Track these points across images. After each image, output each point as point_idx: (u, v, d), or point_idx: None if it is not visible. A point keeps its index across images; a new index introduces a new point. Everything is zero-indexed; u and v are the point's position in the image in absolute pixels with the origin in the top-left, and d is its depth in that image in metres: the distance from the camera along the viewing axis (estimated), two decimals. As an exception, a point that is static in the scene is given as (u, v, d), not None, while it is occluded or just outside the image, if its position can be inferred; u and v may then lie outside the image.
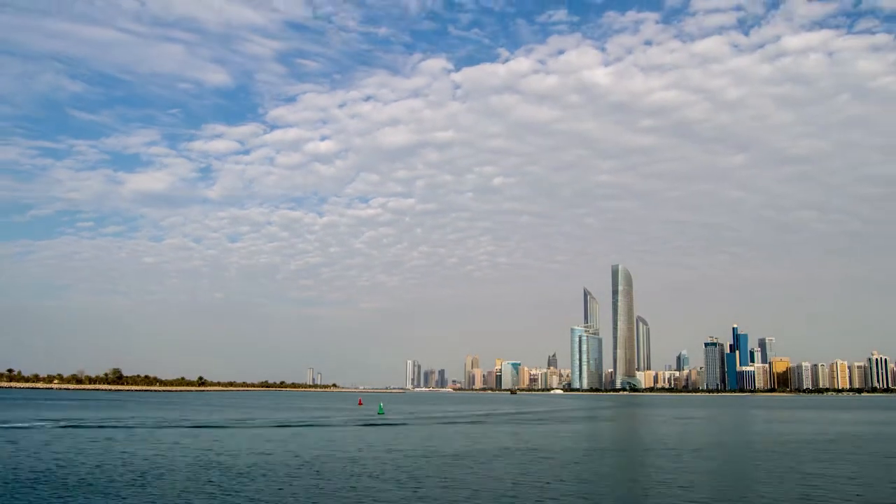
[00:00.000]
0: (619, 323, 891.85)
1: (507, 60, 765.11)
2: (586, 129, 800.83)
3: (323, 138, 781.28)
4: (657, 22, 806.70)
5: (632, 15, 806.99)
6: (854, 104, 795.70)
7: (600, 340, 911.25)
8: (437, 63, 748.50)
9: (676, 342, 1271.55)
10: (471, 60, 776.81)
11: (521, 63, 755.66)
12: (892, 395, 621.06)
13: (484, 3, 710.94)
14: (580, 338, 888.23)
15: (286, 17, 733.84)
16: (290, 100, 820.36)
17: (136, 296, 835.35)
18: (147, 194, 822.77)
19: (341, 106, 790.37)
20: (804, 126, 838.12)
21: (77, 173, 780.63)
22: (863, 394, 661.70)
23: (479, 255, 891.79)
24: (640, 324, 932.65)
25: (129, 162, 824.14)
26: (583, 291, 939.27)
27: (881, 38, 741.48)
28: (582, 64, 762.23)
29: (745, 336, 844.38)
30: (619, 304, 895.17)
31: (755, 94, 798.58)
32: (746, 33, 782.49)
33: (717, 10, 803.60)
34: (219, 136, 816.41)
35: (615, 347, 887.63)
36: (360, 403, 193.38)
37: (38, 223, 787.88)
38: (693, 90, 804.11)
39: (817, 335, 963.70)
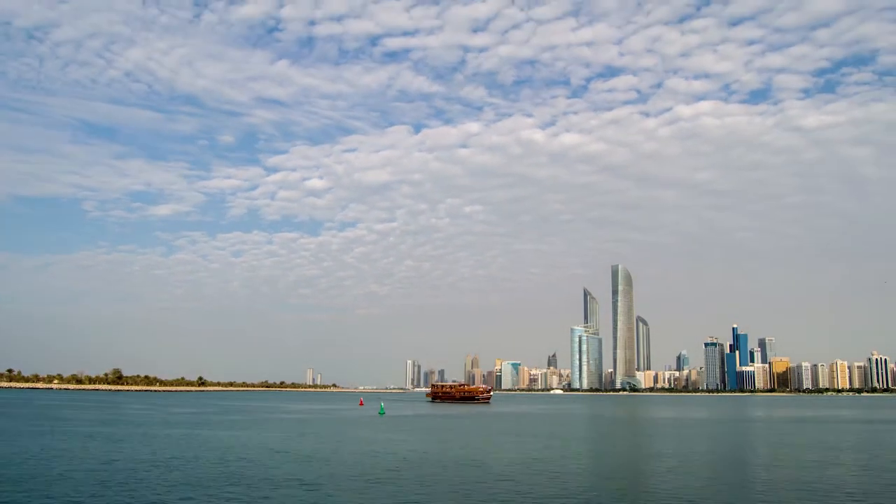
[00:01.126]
0: (619, 323, 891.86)
1: (457, 125, 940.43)
2: (531, 171, 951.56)
3: (316, 178, 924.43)
4: (567, 97, 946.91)
5: (545, 92, 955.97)
6: (750, 154, 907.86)
7: (600, 340, 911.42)
8: (403, 127, 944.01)
9: (676, 342, 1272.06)
10: (429, 126, 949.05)
11: (470, 126, 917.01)
12: (893, 395, 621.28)
13: (425, 91, 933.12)
14: (580, 338, 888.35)
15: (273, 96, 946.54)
16: (285, 151, 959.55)
17: (145, 303, 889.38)
18: (162, 219, 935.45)
19: (327, 156, 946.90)
20: (716, 170, 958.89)
21: (103, 203, 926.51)
22: (863, 394, 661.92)
23: (460, 268, 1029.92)
24: (640, 324, 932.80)
25: (153, 196, 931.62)
26: (583, 291, 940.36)
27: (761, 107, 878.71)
28: (518, 126, 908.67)
29: (745, 336, 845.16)
30: (619, 304, 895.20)
31: (666, 147, 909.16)
32: (645, 102, 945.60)
33: (614, 90, 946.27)
34: (228, 177, 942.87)
35: (615, 347, 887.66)
36: (361, 404, 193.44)
37: (63, 241, 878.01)
38: (615, 143, 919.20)
39: (817, 335, 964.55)
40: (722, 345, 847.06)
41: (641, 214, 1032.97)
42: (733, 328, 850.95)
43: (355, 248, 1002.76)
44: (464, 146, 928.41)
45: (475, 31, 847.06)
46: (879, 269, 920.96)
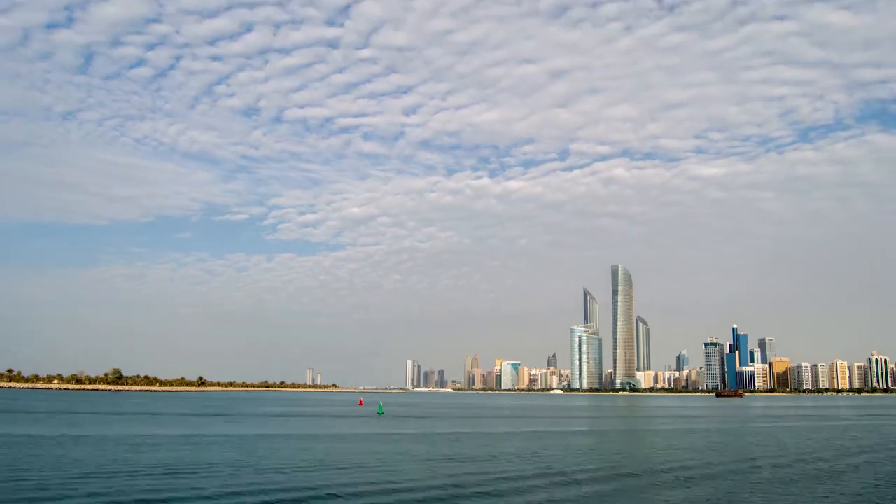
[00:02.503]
0: (618, 323, 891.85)
1: (420, 177, 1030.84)
2: (488, 207, 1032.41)
3: (309, 213, 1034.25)
4: (498, 157, 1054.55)
5: (476, 153, 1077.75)
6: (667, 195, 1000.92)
7: (600, 340, 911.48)
8: (374, 181, 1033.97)
9: (676, 342, 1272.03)
10: (395, 179, 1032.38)
11: (431, 178, 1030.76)
12: (892, 395, 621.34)
13: (377, 152, 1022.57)
14: (580, 338, 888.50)
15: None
16: (284, 195, 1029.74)
17: (153, 311, 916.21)
18: (177, 240, 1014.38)
19: (317, 197, 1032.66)
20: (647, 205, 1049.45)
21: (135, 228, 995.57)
22: (862, 394, 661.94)
23: (441, 280, 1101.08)
24: (640, 324, 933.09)
25: (173, 223, 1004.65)
26: (583, 291, 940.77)
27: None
28: (468, 177, 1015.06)
29: (745, 336, 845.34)
30: (619, 304, 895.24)
31: (595, 190, 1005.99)
32: (563, 160, 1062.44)
33: (535, 151, 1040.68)
34: (239, 212, 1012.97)
35: (615, 347, 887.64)
36: (361, 404, 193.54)
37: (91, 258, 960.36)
38: (550, 188, 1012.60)
39: (817, 335, 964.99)
40: (722, 345, 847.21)
41: (591, 238, 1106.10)
42: (733, 328, 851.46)
43: (345, 264, 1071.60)
44: (431, 191, 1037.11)
45: (407, 114, 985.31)
46: (879, 269, 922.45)
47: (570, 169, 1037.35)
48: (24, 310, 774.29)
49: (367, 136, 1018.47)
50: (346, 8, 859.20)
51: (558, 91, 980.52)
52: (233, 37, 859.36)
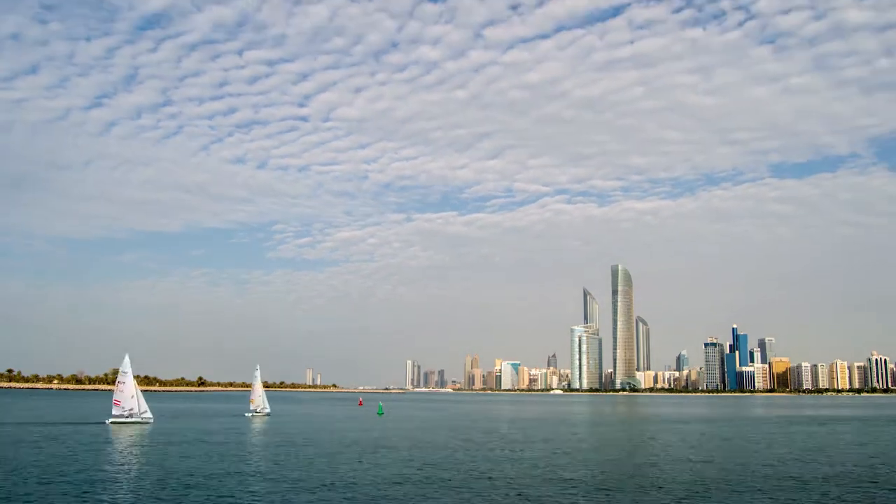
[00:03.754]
0: (618, 323, 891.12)
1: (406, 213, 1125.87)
2: (465, 232, 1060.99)
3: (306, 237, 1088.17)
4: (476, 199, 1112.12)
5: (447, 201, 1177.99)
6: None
7: (600, 340, 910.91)
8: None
9: (676, 342, 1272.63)
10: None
11: (413, 214, 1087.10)
12: (892, 395, 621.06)
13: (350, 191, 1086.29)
14: (580, 338, 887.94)
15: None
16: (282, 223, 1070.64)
17: (158, 320, 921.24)
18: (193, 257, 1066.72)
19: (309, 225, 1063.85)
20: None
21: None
22: (862, 394, 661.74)
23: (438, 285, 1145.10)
24: (640, 324, 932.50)
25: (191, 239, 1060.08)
26: (583, 291, 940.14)
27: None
28: (444, 216, 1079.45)
29: (745, 336, 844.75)
30: (619, 304, 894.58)
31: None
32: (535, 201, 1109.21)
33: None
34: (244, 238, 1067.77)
35: (615, 347, 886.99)
36: (361, 404, 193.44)
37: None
38: (533, 219, 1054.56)
39: (817, 335, 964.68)
40: (722, 345, 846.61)
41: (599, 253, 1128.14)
42: (733, 328, 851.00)
43: (333, 281, 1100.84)
44: (408, 221, 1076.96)
45: (366, 162, 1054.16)
46: (880, 270, 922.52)
47: (522, 204, 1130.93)
48: (24, 310, 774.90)
49: (336, 178, 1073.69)
50: (309, 95, 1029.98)
51: (486, 147, 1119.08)
52: (225, 114, 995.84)
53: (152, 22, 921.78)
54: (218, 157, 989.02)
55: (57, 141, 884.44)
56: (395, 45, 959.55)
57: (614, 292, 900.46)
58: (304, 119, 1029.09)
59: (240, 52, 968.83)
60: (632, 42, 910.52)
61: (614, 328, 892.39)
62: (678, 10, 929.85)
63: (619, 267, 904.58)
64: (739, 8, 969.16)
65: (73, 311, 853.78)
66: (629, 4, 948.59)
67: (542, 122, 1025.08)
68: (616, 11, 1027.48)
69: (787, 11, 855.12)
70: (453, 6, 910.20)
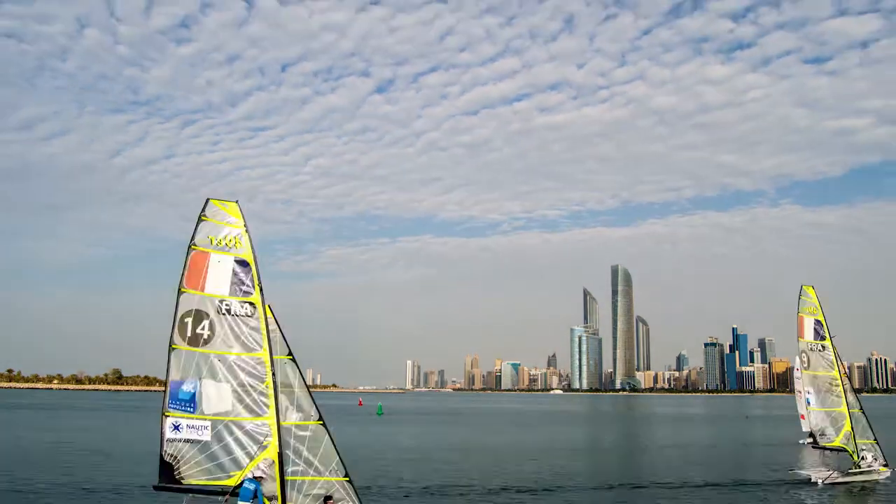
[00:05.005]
0: (618, 323, 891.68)
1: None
2: (444, 252, 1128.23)
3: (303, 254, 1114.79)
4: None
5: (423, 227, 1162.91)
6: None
7: (600, 340, 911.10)
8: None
9: (676, 342, 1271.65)
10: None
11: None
12: (892, 395, 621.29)
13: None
14: (580, 338, 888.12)
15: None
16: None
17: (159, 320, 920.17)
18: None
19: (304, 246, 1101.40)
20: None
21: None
22: (862, 394, 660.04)
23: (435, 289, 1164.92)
24: (640, 324, 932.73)
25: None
26: (583, 291, 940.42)
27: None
28: (422, 239, 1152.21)
29: (745, 336, 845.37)
30: (619, 304, 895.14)
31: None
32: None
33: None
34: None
35: (615, 347, 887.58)
36: (360, 404, 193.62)
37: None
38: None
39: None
40: (722, 345, 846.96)
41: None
42: (733, 328, 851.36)
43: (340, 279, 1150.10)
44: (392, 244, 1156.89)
45: (341, 195, 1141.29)
46: (880, 270, 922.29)
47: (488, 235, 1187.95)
48: (24, 309, 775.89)
49: (316, 208, 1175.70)
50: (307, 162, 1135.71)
51: (436, 188, 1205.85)
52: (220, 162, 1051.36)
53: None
54: (212, 194, 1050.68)
55: None
56: (352, 116, 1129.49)
57: (614, 292, 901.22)
58: (287, 164, 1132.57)
59: (229, 123, 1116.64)
60: (542, 111, 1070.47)
61: (614, 328, 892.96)
62: (574, 98, 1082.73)
63: (620, 267, 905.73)
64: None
65: (73, 311, 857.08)
66: (531, 94, 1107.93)
67: (481, 168, 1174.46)
68: (525, 97, 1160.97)
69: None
70: (396, 97, 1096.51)
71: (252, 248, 21.71)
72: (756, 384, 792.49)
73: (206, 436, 20.90)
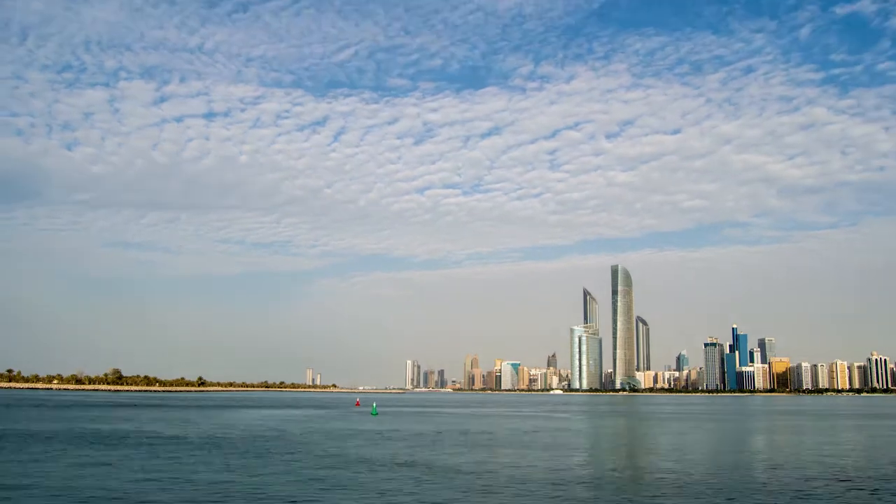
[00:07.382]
0: (618, 323, 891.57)
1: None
2: (414, 278, 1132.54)
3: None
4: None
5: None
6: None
7: (600, 340, 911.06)
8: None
9: (676, 342, 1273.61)
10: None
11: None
12: (892, 395, 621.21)
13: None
14: (580, 338, 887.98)
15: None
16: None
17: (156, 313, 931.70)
18: None
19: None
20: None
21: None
22: (862, 394, 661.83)
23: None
24: (640, 324, 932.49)
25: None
26: (583, 291, 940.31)
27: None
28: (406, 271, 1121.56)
29: (745, 336, 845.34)
30: (619, 304, 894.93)
31: None
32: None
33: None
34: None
35: (615, 347, 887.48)
36: (358, 404, 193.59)
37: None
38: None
39: (817, 335, 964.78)
40: (722, 345, 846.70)
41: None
42: (733, 328, 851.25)
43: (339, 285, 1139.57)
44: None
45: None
46: (880, 270, 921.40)
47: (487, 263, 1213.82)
48: (24, 309, 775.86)
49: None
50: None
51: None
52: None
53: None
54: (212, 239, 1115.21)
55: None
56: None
57: (614, 292, 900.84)
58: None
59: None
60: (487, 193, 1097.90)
61: (614, 328, 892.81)
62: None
63: (619, 267, 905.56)
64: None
65: (73, 311, 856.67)
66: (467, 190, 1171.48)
67: (427, 223, 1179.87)
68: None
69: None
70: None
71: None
72: (756, 384, 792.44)
73: None
